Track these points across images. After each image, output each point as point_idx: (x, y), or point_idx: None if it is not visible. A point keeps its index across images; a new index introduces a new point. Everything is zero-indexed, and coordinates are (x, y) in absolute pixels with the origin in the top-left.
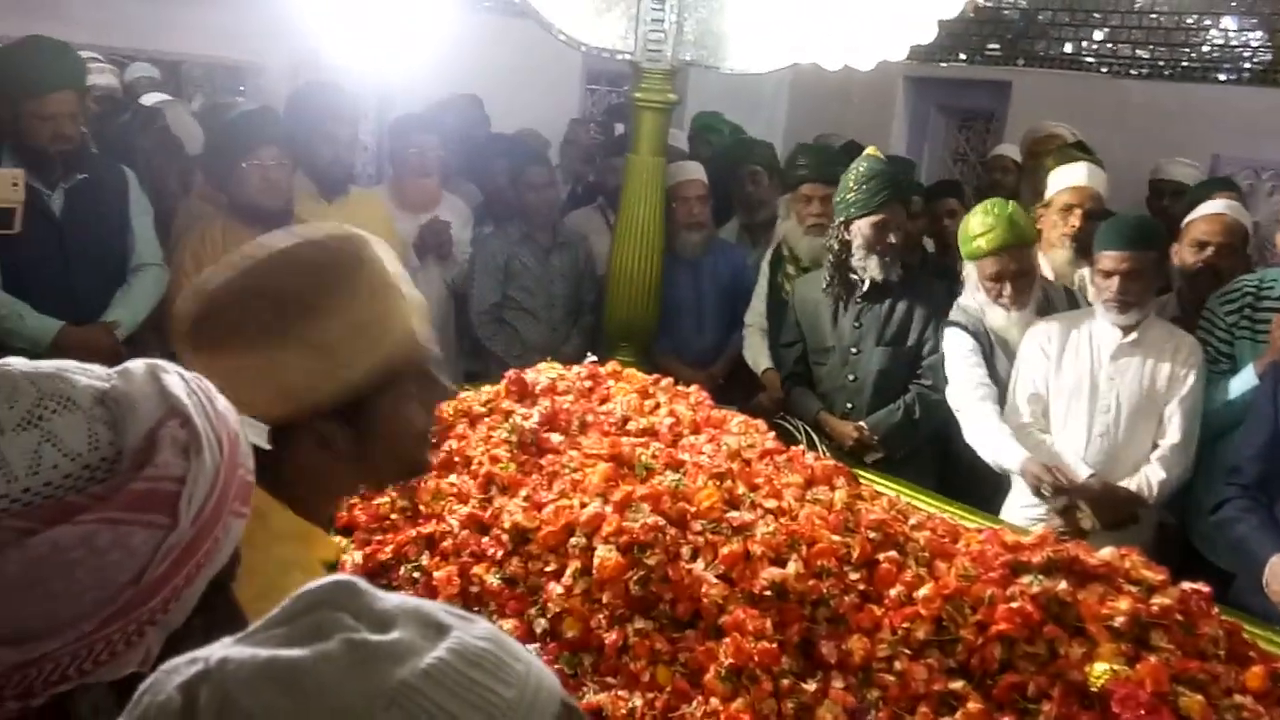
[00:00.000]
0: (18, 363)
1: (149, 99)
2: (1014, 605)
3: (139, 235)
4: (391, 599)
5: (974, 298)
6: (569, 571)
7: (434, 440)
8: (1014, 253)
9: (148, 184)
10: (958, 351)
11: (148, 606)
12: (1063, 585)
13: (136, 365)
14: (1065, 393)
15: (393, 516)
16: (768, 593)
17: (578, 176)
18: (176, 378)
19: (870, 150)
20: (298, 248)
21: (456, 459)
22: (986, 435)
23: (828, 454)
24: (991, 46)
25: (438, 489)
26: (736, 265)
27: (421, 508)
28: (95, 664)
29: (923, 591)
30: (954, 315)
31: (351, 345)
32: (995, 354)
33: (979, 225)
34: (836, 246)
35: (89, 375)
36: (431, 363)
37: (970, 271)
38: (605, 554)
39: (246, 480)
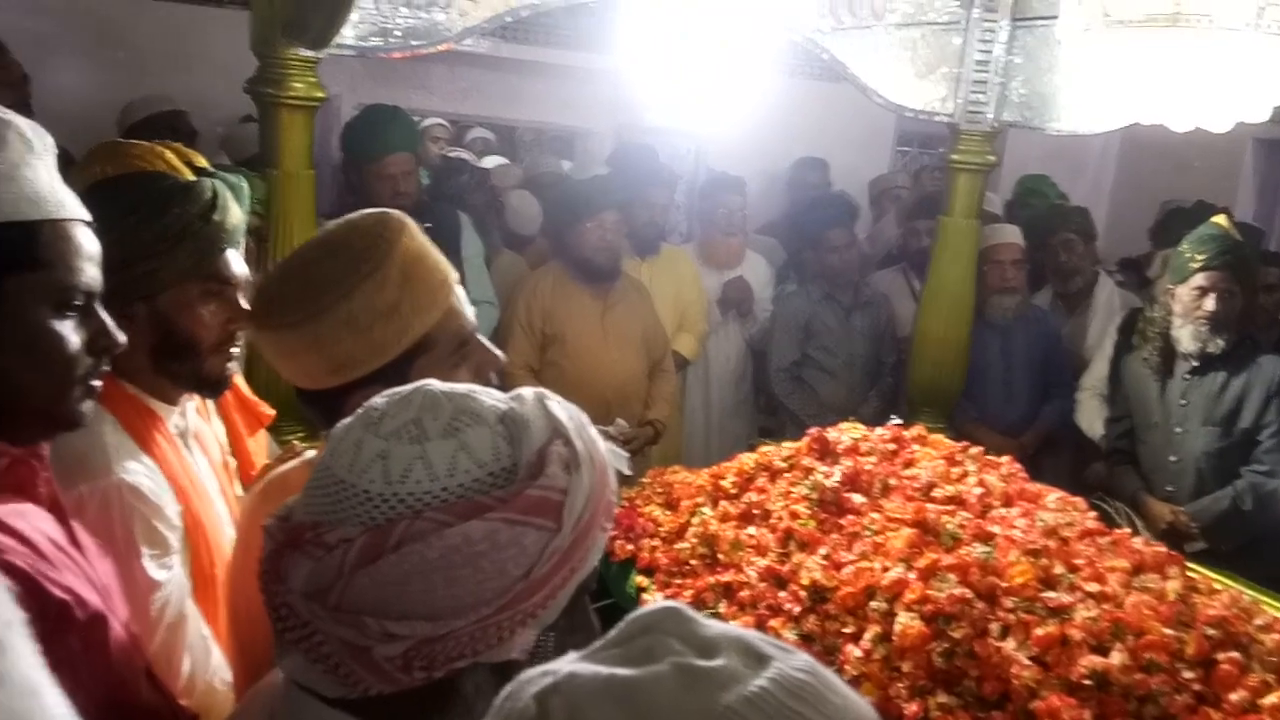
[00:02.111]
0: (434, 383)
1: (486, 161)
2: None
3: (470, 273)
4: (715, 626)
5: None
6: (868, 635)
7: None
8: None
9: (479, 236)
10: None
11: (532, 600)
12: None
13: (527, 392)
14: None
15: (692, 562)
16: (1087, 681)
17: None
18: (558, 405)
19: (1217, 218)
20: (333, 231)
21: (755, 511)
22: None
23: (1151, 539)
24: None
25: (736, 539)
26: (1049, 334)
27: (720, 556)
28: (487, 646)
29: (1270, 699)
30: None
31: (385, 325)
32: None
33: None
34: (1159, 314)
35: (491, 397)
36: (470, 332)
37: None
38: (908, 621)
39: (611, 501)
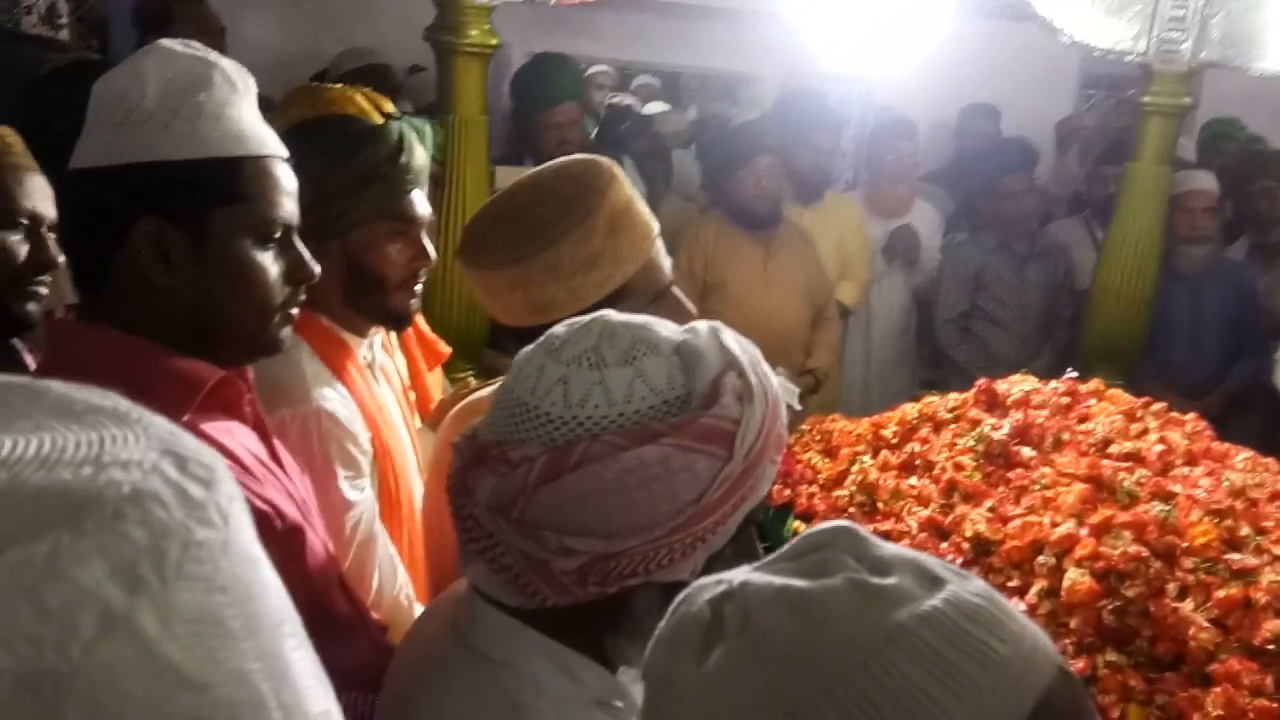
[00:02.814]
0: (613, 314)
1: (650, 108)
2: None
3: None
4: (889, 548)
5: None
6: (1034, 590)
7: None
8: None
9: (643, 181)
10: None
11: (702, 525)
12: None
13: (701, 325)
14: None
15: (850, 510)
16: (1271, 647)
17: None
18: (732, 338)
19: None
20: (545, 176)
21: (918, 462)
22: None
23: None
24: None
25: (897, 489)
26: (1244, 288)
27: (880, 505)
28: (658, 566)
29: None
30: None
31: (586, 273)
32: None
33: None
34: None
35: (666, 329)
36: (666, 285)
37: None
38: (1077, 577)
39: (782, 434)
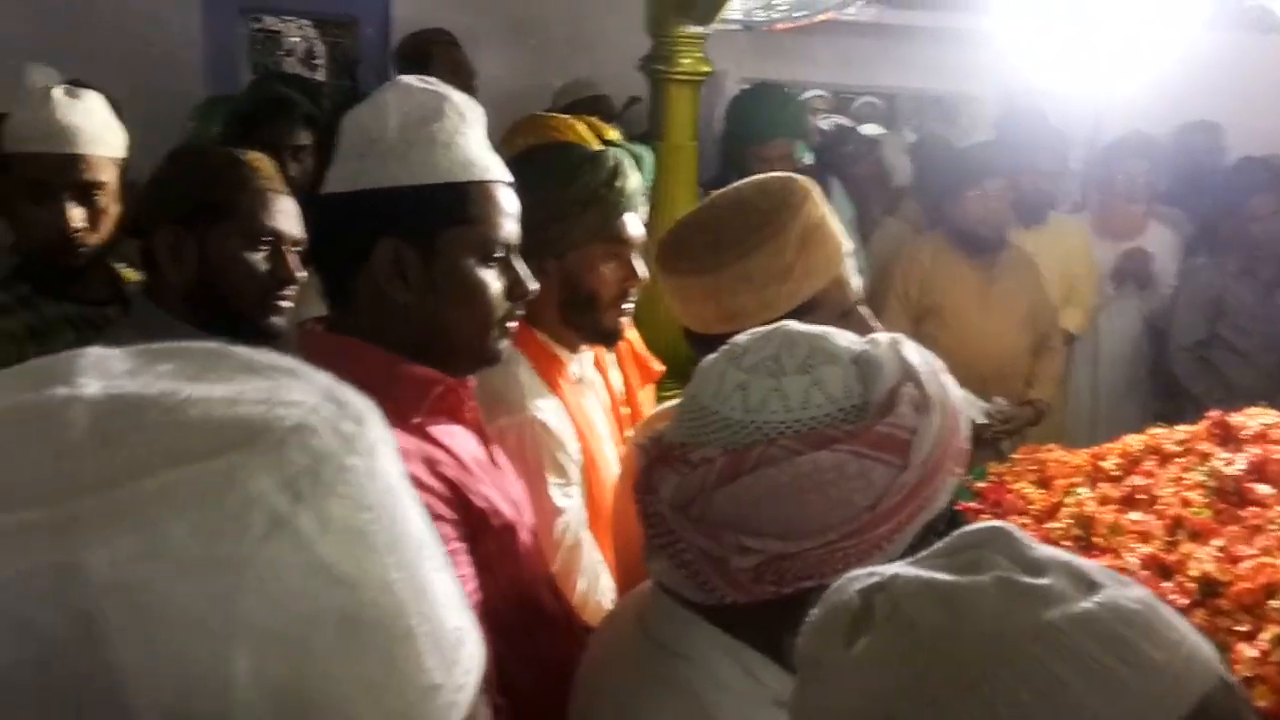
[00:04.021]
0: (794, 324)
1: (866, 129)
2: None
3: None
4: (1044, 550)
5: None
6: (1265, 635)
7: None
8: None
9: (856, 204)
10: None
11: (877, 532)
12: None
13: (882, 336)
14: None
15: (1064, 543)
16: None
17: None
18: (913, 349)
19: None
20: (744, 190)
21: (1140, 496)
22: None
23: None
24: None
25: (1116, 523)
26: None
27: (1097, 540)
28: (833, 570)
29: None
30: None
31: (778, 285)
32: None
33: None
34: None
35: (846, 339)
36: (854, 304)
37: None
38: None
39: (962, 446)
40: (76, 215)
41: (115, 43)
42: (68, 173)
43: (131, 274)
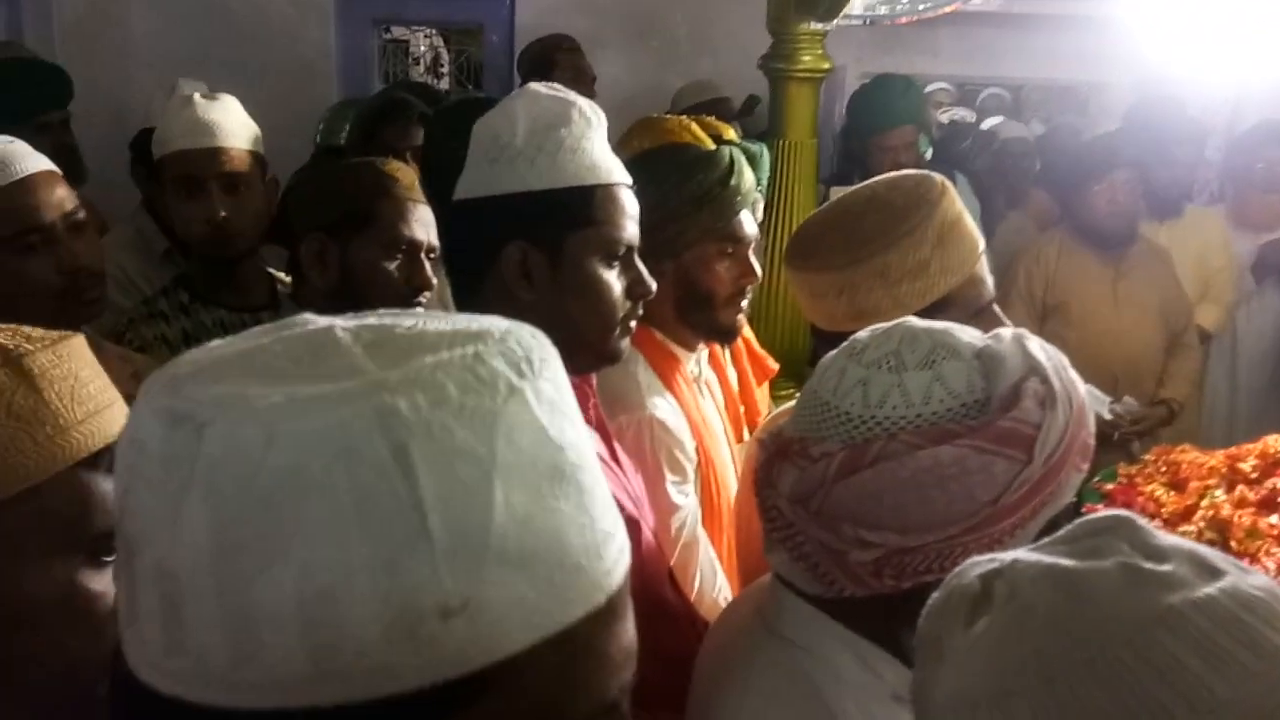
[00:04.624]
0: (915, 320)
1: (988, 123)
2: None
3: None
4: (1168, 538)
5: None
6: None
7: None
8: None
9: (978, 198)
10: None
11: (999, 526)
12: None
13: (1005, 332)
14: None
15: None
16: None
17: None
18: (1037, 345)
19: None
20: (877, 188)
21: (1279, 499)
22: None
23: None
24: None
25: (1254, 527)
26: None
27: (1233, 544)
28: (954, 564)
29: None
30: None
31: (912, 282)
32: None
33: None
34: None
35: (969, 334)
36: (987, 302)
37: None
38: None
39: (1088, 442)
40: (224, 205)
41: (256, 55)
42: (211, 164)
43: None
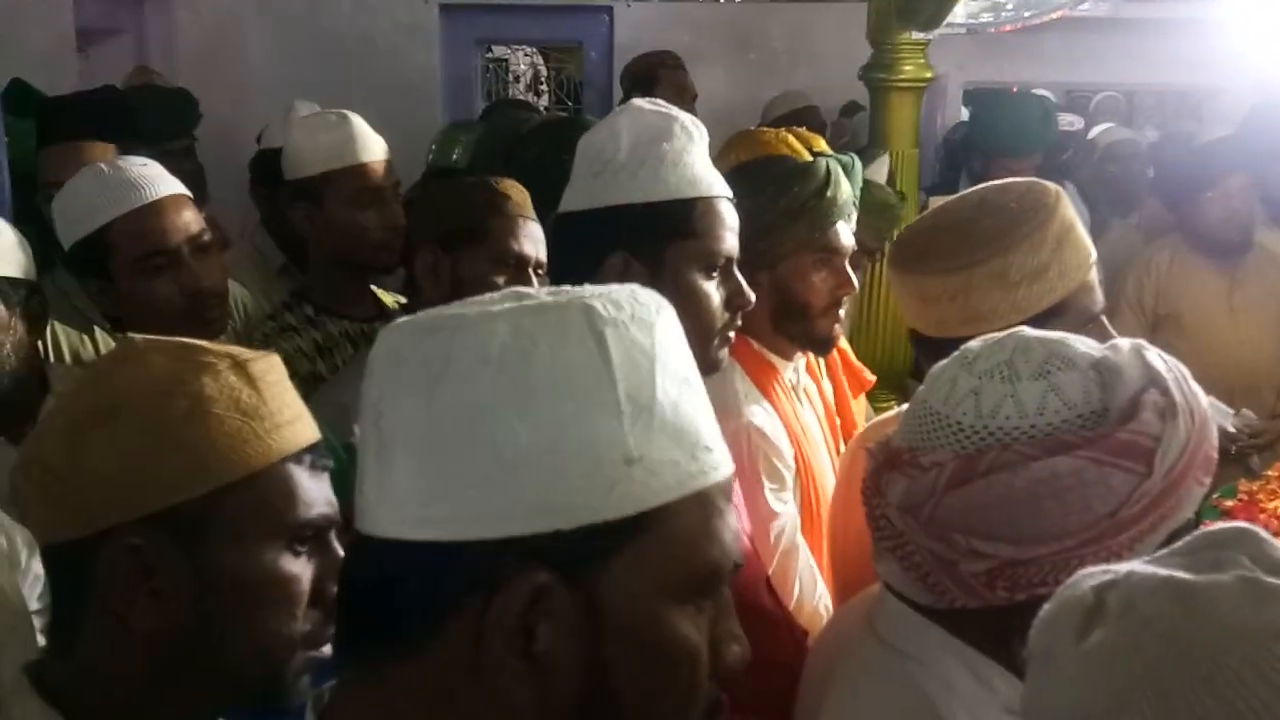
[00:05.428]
0: (1028, 330)
1: (1095, 130)
2: None
3: None
4: None
5: None
6: None
7: None
8: None
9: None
10: None
11: (1117, 539)
12: None
13: (1124, 342)
14: None
15: None
16: None
17: None
18: (1156, 355)
19: None
20: (988, 193)
21: None
22: None
23: None
24: None
25: None
26: None
27: None
28: (1067, 577)
29: None
30: None
31: (1030, 284)
32: None
33: None
34: None
35: (1085, 344)
36: (1098, 311)
37: None
38: None
39: (1211, 455)
40: (399, 211)
41: (364, 78)
42: (389, 174)
43: (389, 298)
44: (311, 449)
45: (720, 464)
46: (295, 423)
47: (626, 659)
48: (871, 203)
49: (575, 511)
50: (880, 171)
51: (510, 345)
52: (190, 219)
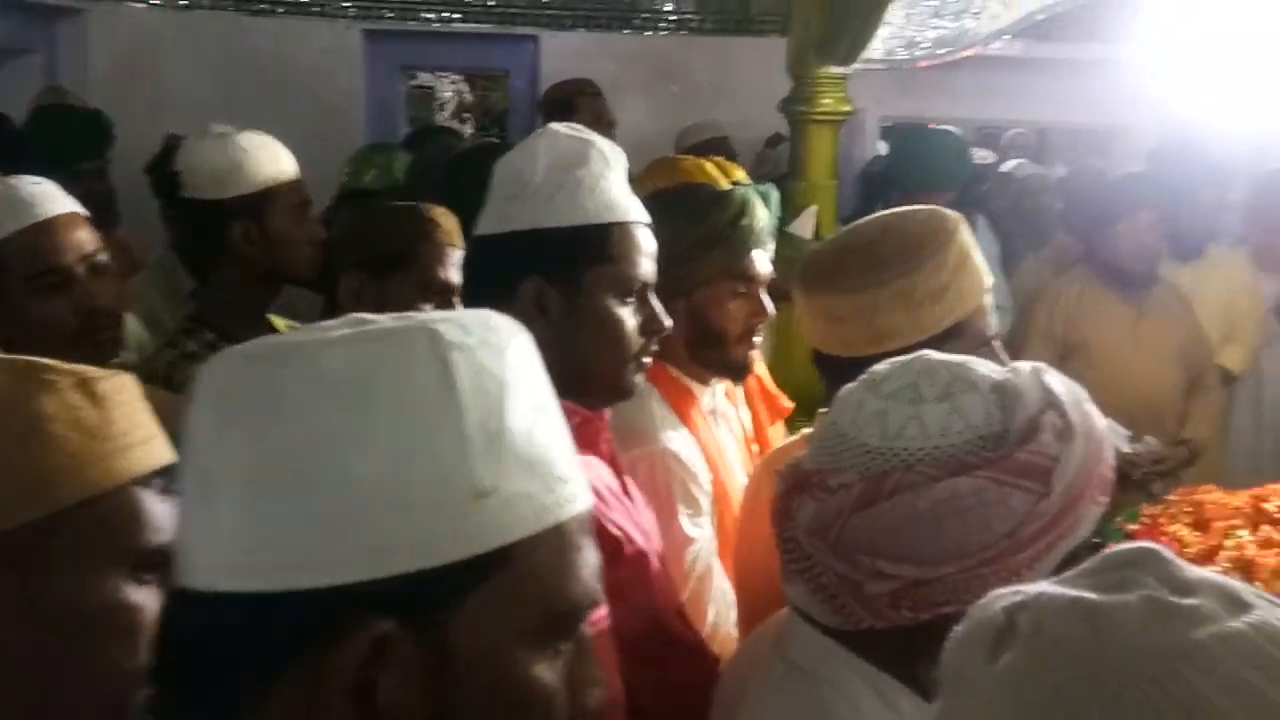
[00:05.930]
0: (933, 353)
1: (1007, 165)
2: None
3: None
4: (1195, 571)
5: None
6: None
7: None
8: None
9: (998, 240)
10: None
11: (1016, 559)
12: None
13: (1024, 365)
14: None
15: None
16: None
17: None
18: (1055, 378)
19: None
20: (890, 219)
21: None
22: None
23: None
24: None
25: (1279, 568)
26: None
27: (1258, 585)
28: (971, 596)
29: None
30: None
31: (932, 305)
32: None
33: None
34: None
35: (986, 367)
36: (990, 336)
37: None
38: None
39: (1106, 475)
40: (321, 227)
41: (285, 100)
42: (305, 191)
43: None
44: (164, 472)
45: (578, 495)
46: (146, 444)
47: (478, 708)
48: (794, 255)
49: (420, 552)
50: (807, 225)
51: (348, 374)
52: (85, 238)
